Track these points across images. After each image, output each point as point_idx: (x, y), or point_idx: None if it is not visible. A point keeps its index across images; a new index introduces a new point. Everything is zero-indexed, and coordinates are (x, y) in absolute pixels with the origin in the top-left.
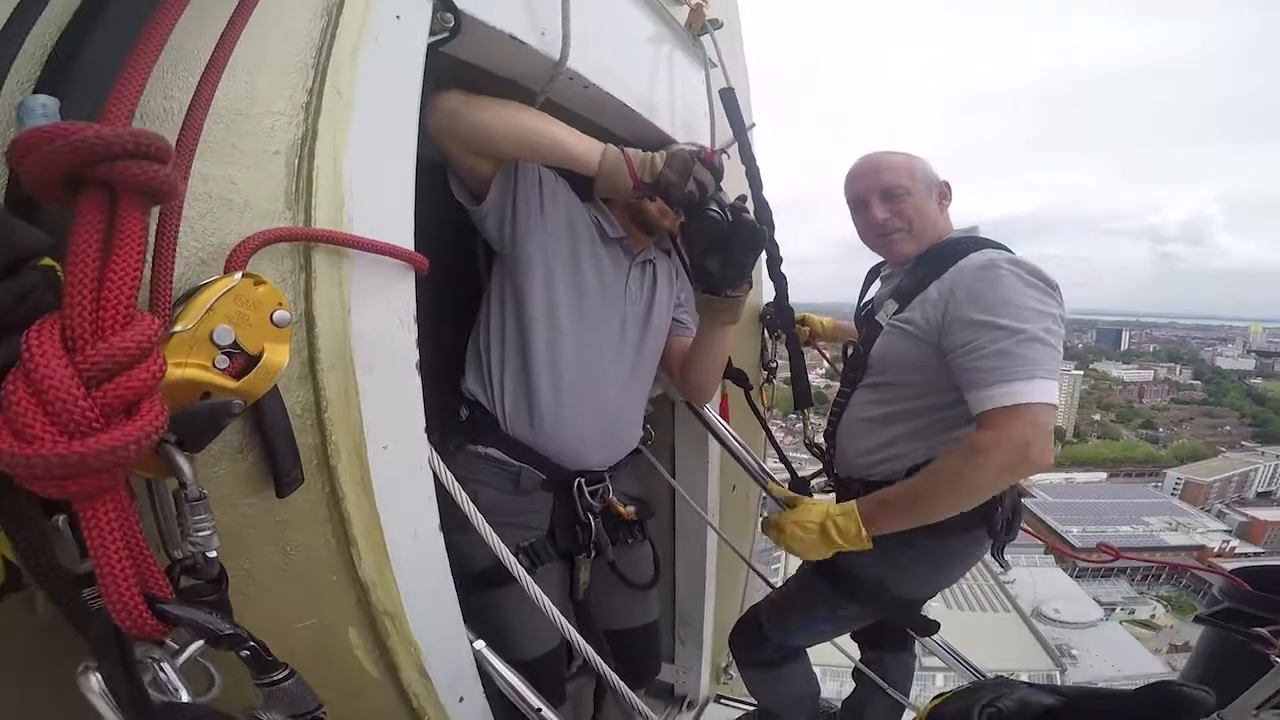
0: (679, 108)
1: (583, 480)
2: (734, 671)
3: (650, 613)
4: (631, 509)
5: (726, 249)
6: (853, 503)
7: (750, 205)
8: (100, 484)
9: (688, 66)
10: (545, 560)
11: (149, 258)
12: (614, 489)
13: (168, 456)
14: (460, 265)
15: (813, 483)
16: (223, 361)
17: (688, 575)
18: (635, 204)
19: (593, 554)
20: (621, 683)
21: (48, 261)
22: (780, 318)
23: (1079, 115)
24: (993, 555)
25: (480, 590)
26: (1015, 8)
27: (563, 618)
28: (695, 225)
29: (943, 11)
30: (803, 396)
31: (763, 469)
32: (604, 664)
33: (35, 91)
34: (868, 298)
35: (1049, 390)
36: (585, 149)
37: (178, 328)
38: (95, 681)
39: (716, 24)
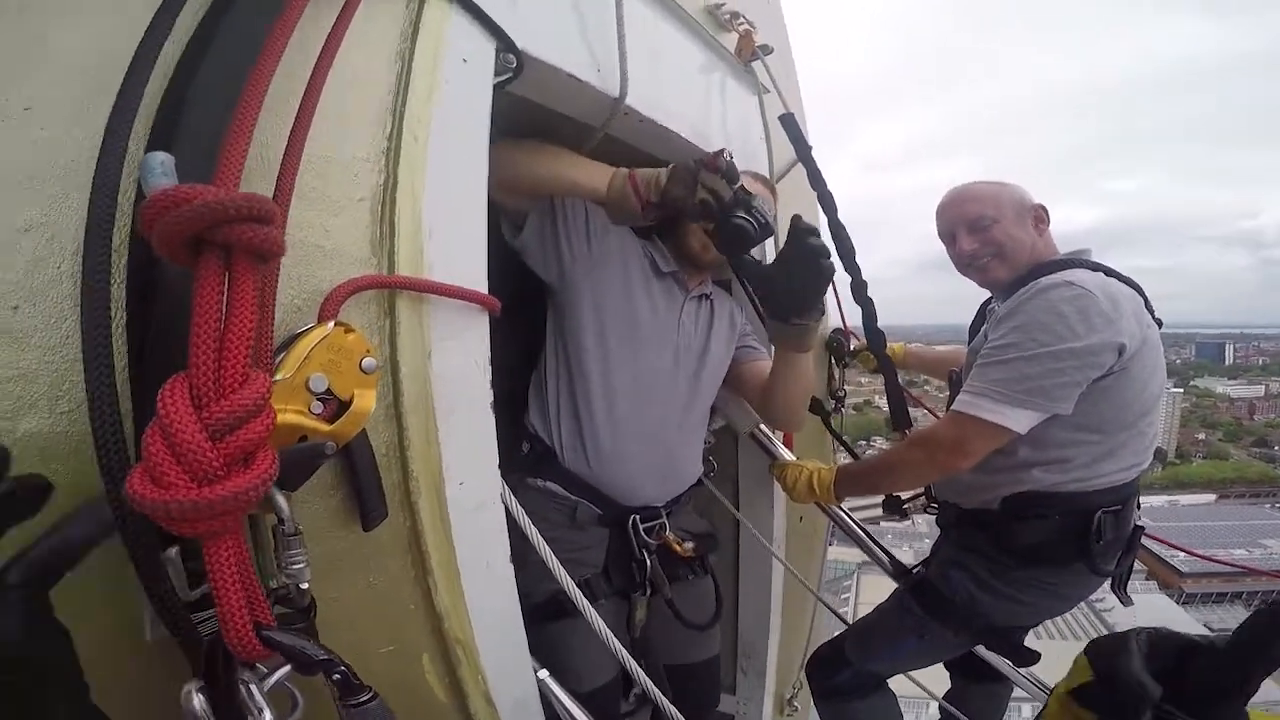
0: (734, 135)
1: (637, 517)
2: (798, 704)
3: (710, 649)
4: (690, 545)
5: (791, 272)
6: (832, 467)
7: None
8: (224, 525)
9: (740, 93)
10: (600, 596)
11: None
12: (672, 525)
13: (269, 495)
14: (532, 299)
15: (908, 504)
16: (317, 407)
17: (752, 606)
18: (680, 239)
19: (648, 592)
20: (680, 716)
21: None
22: (871, 341)
23: (1154, 117)
24: (1113, 590)
25: (536, 624)
26: (1086, 8)
27: (624, 649)
28: (723, 235)
29: (1006, 18)
30: (901, 418)
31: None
32: (663, 698)
33: (149, 147)
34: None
35: (992, 409)
36: (591, 180)
37: (279, 376)
38: (199, 703)
39: (766, 50)
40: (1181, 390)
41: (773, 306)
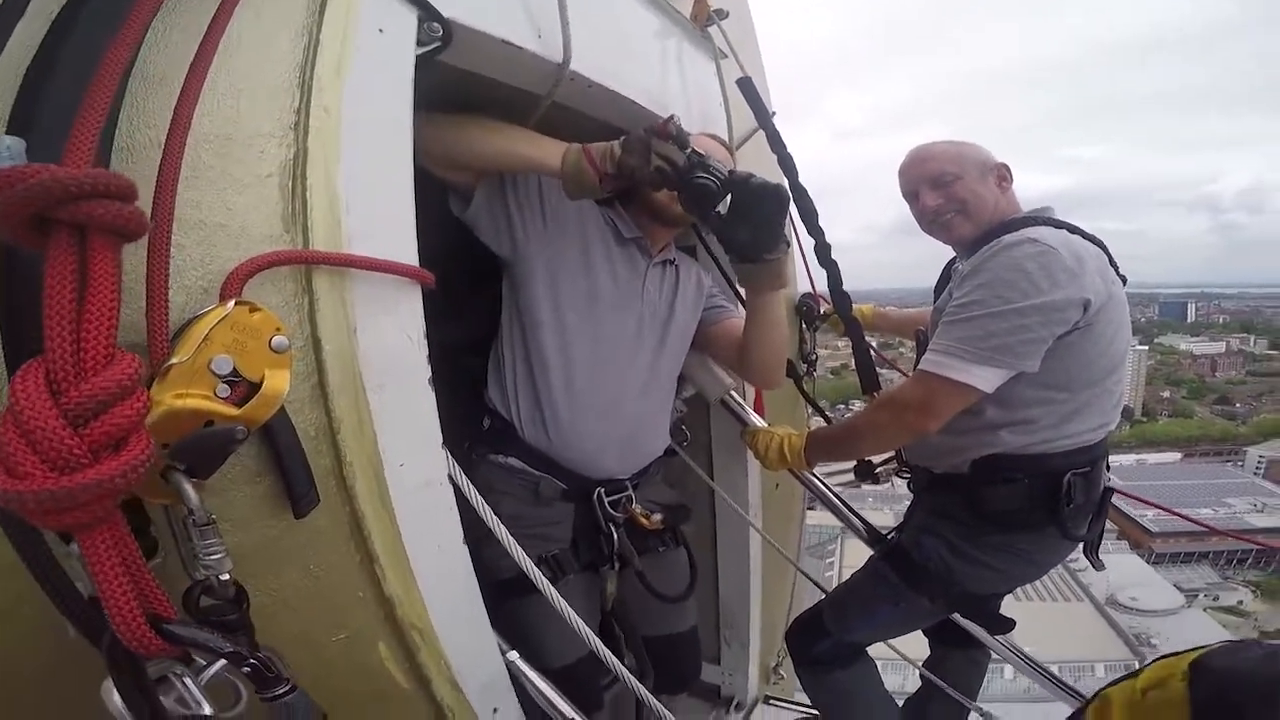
0: (694, 100)
1: (602, 490)
2: (784, 671)
3: (687, 619)
4: (658, 518)
5: (747, 214)
6: (803, 433)
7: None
8: (93, 514)
9: (698, 58)
10: (569, 571)
11: (144, 291)
12: (639, 497)
13: (175, 484)
14: (495, 272)
15: (880, 469)
16: (224, 390)
17: (731, 576)
18: (648, 197)
19: (617, 565)
20: (651, 697)
21: None
22: (837, 303)
23: (1111, 87)
24: (1085, 555)
25: (509, 598)
26: None
27: (588, 630)
28: (687, 197)
29: None
30: (870, 380)
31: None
32: (634, 679)
33: (5, 131)
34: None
35: (958, 368)
36: (544, 155)
37: (175, 360)
38: (116, 700)
39: (722, 14)
40: (1146, 348)
41: (741, 249)
